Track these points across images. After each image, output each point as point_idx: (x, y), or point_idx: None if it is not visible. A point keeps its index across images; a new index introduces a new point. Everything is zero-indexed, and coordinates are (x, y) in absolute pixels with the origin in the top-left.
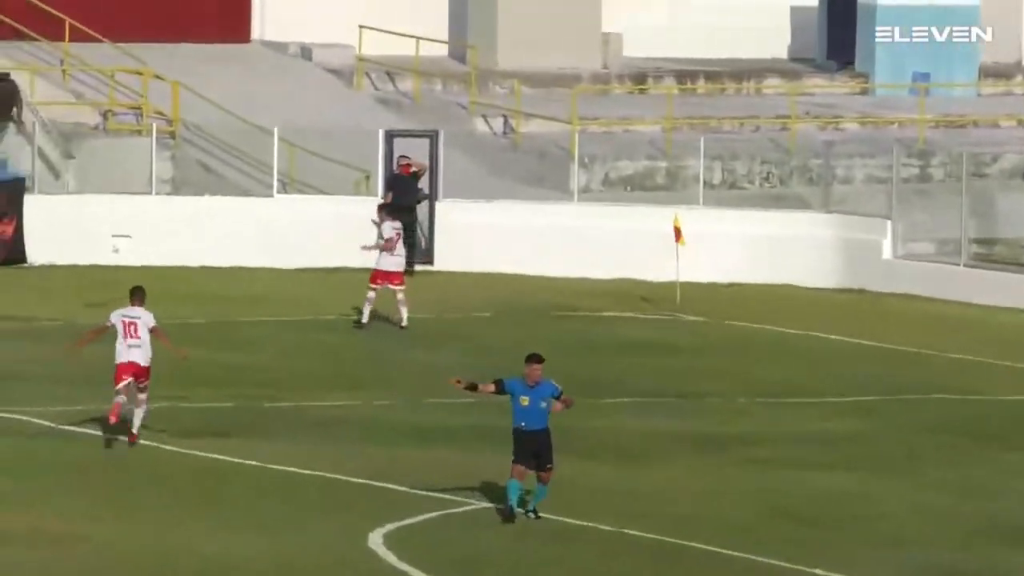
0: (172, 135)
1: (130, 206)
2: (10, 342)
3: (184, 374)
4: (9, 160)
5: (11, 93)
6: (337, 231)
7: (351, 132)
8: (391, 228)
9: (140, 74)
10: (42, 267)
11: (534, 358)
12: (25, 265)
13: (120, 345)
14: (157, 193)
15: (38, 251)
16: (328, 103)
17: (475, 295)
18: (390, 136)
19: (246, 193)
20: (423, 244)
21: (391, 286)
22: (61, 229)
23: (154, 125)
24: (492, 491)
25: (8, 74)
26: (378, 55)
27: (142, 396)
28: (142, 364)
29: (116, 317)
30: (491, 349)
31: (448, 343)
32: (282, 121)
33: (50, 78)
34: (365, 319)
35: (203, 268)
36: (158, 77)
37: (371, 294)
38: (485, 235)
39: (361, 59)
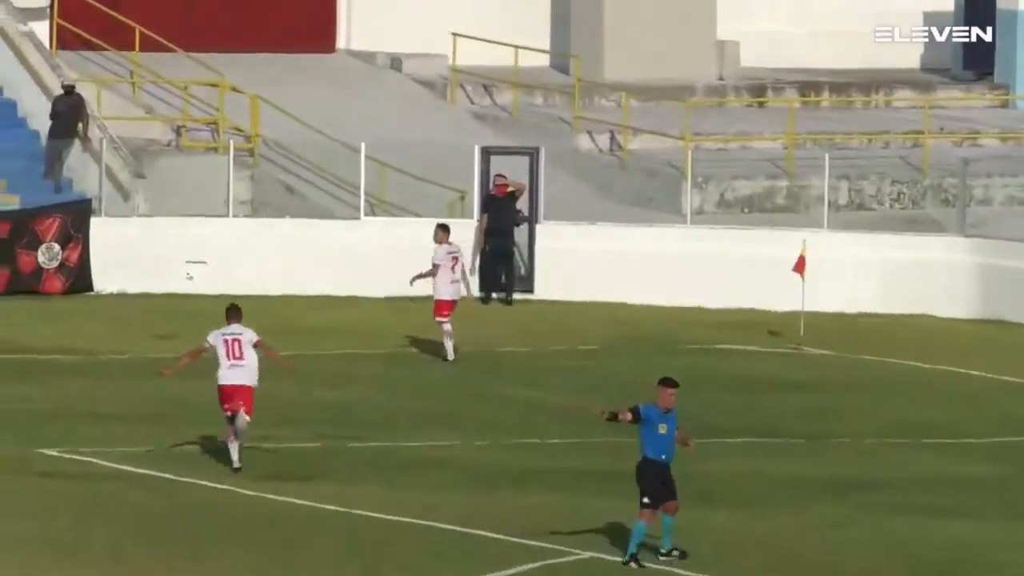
0: (251, 152)
1: (205, 229)
2: (74, 377)
3: (264, 411)
4: (74, 180)
5: (77, 107)
6: (428, 257)
7: (444, 149)
8: (445, 253)
9: (216, 86)
10: (109, 296)
11: (669, 382)
12: (91, 293)
13: (222, 366)
14: (234, 215)
15: (105, 278)
16: (419, 118)
17: (579, 326)
18: (486, 153)
19: (330, 215)
20: (522, 270)
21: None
22: (130, 254)
23: (231, 142)
24: (598, 539)
25: (73, 87)
26: (474, 66)
27: (241, 426)
28: (247, 384)
29: (215, 337)
30: (598, 385)
31: (550, 379)
32: (370, 137)
33: (119, 91)
34: (451, 355)
35: (284, 296)
36: (235, 90)
37: (446, 327)
38: (589, 261)
39: (455, 70)
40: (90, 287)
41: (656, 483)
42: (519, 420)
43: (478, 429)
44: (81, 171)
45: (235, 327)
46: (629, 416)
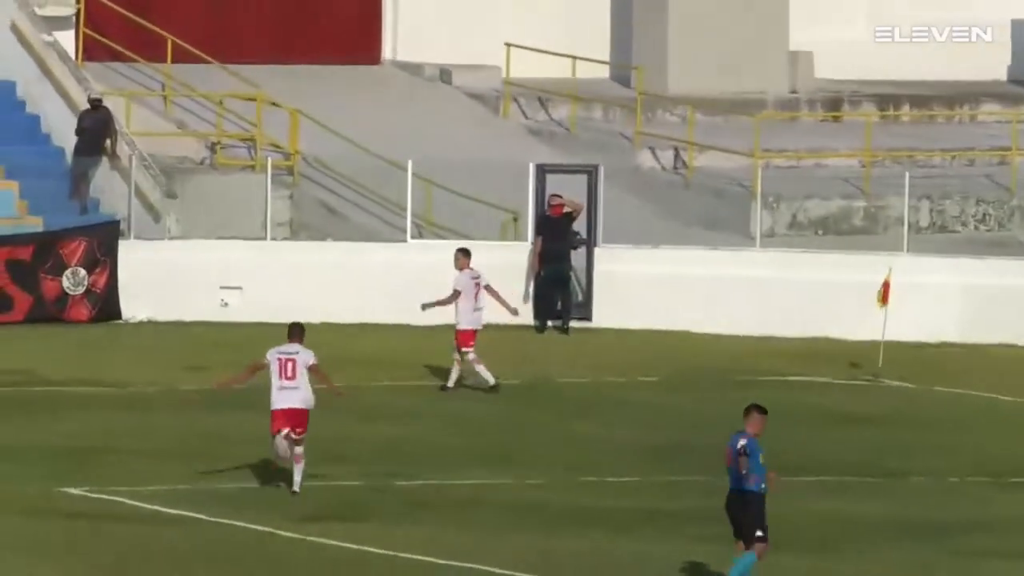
0: (290, 171)
1: (241, 253)
2: (101, 411)
3: (306, 448)
4: (102, 200)
5: (104, 122)
6: (483, 281)
7: (496, 167)
8: (467, 279)
9: (253, 100)
10: (138, 324)
11: (758, 408)
12: (119, 322)
13: (273, 387)
14: (272, 238)
15: (134, 305)
16: (470, 133)
17: (640, 356)
18: (542, 171)
19: (375, 238)
20: (579, 297)
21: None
22: (161, 280)
23: (269, 159)
24: None
25: (101, 100)
26: (528, 78)
27: (298, 450)
28: (298, 407)
29: (272, 354)
30: (660, 420)
31: (609, 412)
32: (417, 154)
33: (149, 105)
34: (491, 381)
35: (325, 325)
36: (274, 104)
37: (471, 355)
38: (651, 287)
39: (508, 82)
40: (118, 315)
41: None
42: (577, 456)
43: (533, 466)
44: (109, 191)
45: (293, 346)
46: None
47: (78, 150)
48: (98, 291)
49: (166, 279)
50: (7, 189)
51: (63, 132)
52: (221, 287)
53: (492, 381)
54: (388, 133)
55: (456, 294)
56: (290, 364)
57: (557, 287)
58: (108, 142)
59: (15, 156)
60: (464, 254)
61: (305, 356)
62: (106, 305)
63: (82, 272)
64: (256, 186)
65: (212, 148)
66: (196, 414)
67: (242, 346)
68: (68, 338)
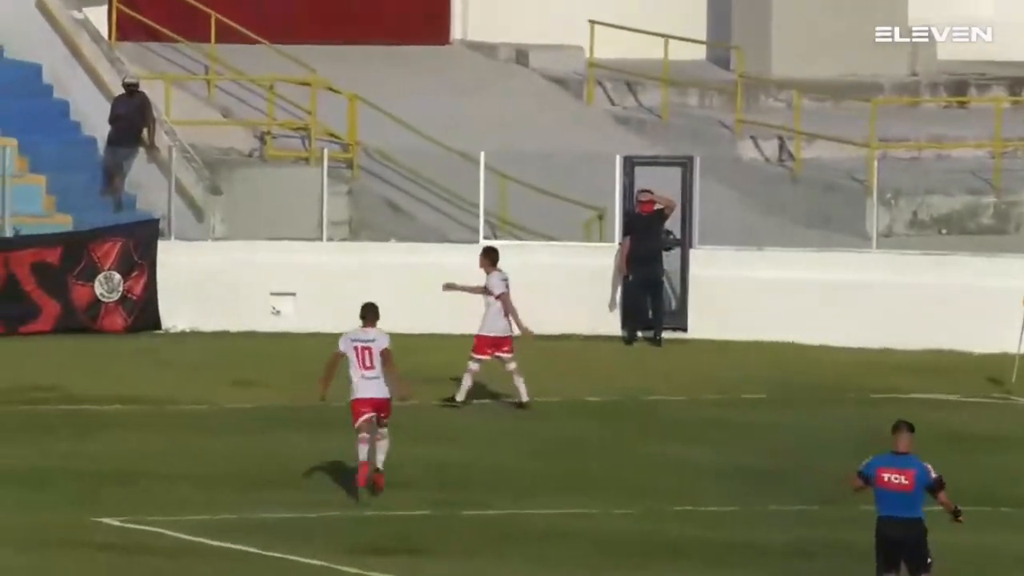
0: (349, 164)
1: (293, 256)
2: (139, 432)
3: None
4: (138, 196)
5: (141, 109)
6: (560, 288)
7: (579, 159)
8: (500, 280)
9: (307, 84)
10: (180, 334)
11: (906, 426)
12: (158, 332)
13: (355, 376)
14: (329, 238)
15: (175, 314)
16: (550, 121)
17: (741, 371)
18: (630, 164)
19: (443, 239)
20: (672, 304)
21: (500, 355)
22: (205, 285)
23: (325, 151)
24: None
25: (137, 84)
26: (615, 59)
27: (382, 431)
28: (383, 397)
29: (347, 343)
30: (764, 442)
31: (706, 433)
32: (490, 145)
33: (192, 90)
34: (461, 396)
35: (395, 335)
36: (331, 89)
37: (474, 366)
38: (754, 293)
39: (593, 64)
40: (157, 324)
41: (889, 555)
42: (670, 483)
43: (620, 493)
44: (146, 186)
45: (368, 332)
46: (859, 482)
47: (112, 140)
48: (134, 298)
49: (210, 284)
50: (33, 184)
51: (95, 120)
52: (272, 293)
53: (460, 399)
54: (458, 121)
55: (502, 296)
56: (367, 353)
57: (647, 293)
58: (145, 131)
59: (42, 147)
60: (491, 255)
61: (381, 342)
62: (143, 313)
63: (116, 277)
64: (311, 181)
65: (261, 138)
66: (244, 434)
67: (295, 359)
68: (101, 350)
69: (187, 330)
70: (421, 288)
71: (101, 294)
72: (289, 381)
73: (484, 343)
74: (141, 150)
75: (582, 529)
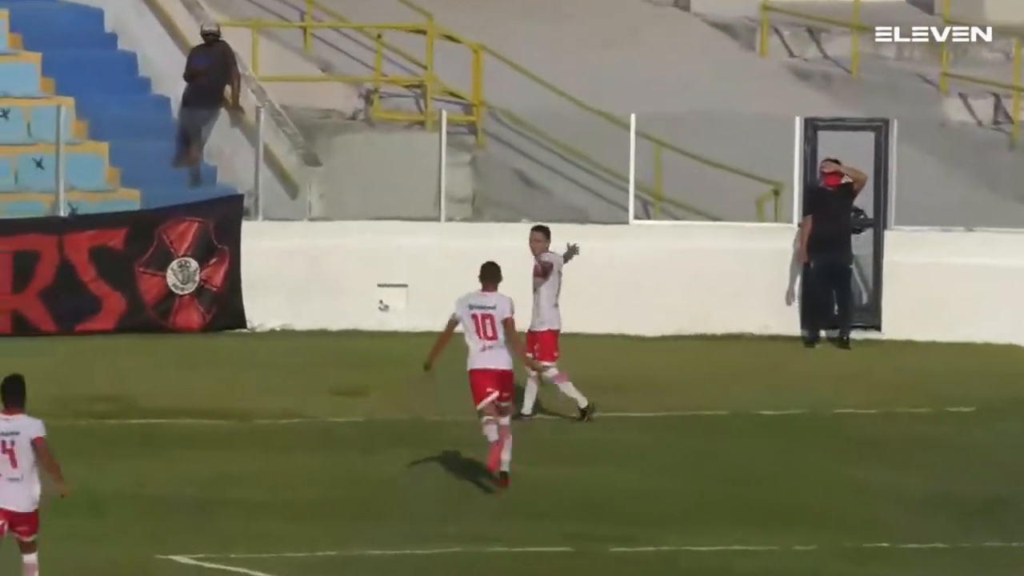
0: (472, 128)
1: (406, 239)
2: (217, 451)
3: (486, 497)
4: (219, 168)
5: (223, 63)
6: (727, 277)
7: (751, 122)
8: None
9: (423, 33)
10: (268, 334)
11: None
12: (243, 331)
13: (473, 346)
14: (449, 218)
15: (263, 309)
16: (714, 77)
17: (947, 379)
18: (812, 127)
19: (585, 219)
20: (864, 298)
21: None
22: (299, 275)
23: (444, 113)
24: None
25: (218, 33)
26: (794, 2)
27: (504, 422)
28: (505, 368)
29: (463, 309)
30: (975, 464)
31: (905, 454)
32: (643, 106)
33: (284, 41)
34: (584, 400)
35: (519, 334)
36: (450, 38)
37: (552, 369)
38: (963, 284)
39: (767, 7)
40: (241, 321)
41: None
42: (861, 513)
43: (800, 526)
44: (229, 155)
45: (488, 297)
46: None
47: (188, 100)
48: (214, 289)
49: (305, 274)
50: (94, 153)
51: (168, 76)
52: (379, 285)
53: (584, 402)
54: (604, 78)
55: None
56: (488, 320)
57: (833, 284)
58: (228, 90)
59: (104, 109)
60: (543, 234)
61: (502, 307)
62: (225, 308)
63: (193, 264)
64: (426, 149)
65: (367, 98)
66: (346, 454)
67: (407, 363)
68: (174, 352)
69: (277, 328)
70: (562, 277)
71: (174, 285)
72: (399, 389)
73: (551, 340)
74: (223, 112)
75: (754, 570)
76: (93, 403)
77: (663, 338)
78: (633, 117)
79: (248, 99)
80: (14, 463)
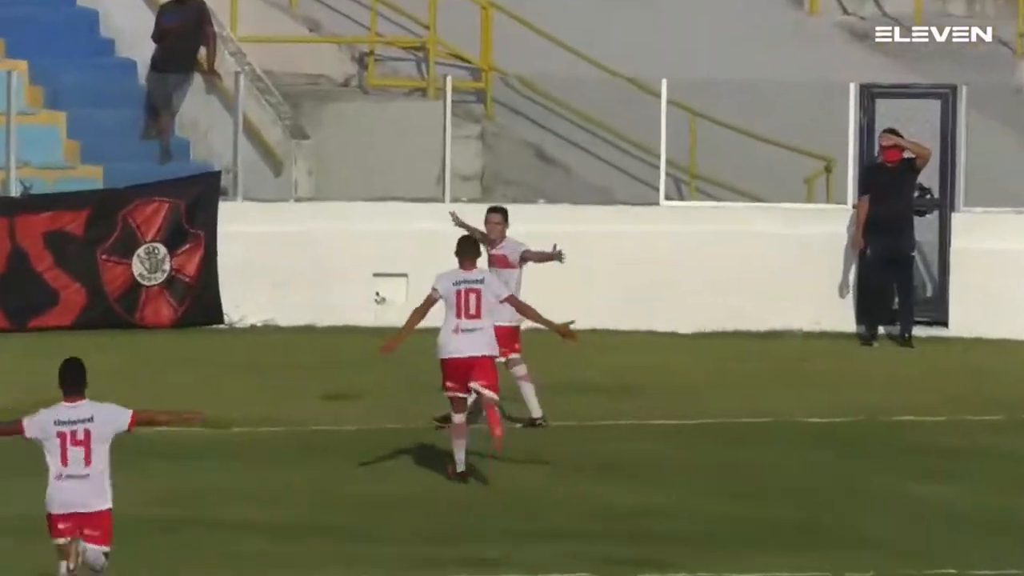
0: (481, 96)
1: (406, 223)
2: (191, 463)
3: (496, 515)
4: (192, 142)
5: (196, 22)
6: (772, 266)
7: (798, 89)
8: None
9: None
10: (249, 330)
11: None
12: (220, 327)
13: (446, 328)
14: (455, 199)
15: (243, 302)
16: (757, 37)
17: None
18: (869, 95)
19: (610, 199)
20: (927, 290)
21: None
22: (284, 263)
23: (449, 79)
24: None
25: None
26: None
27: (490, 397)
28: (486, 355)
29: (445, 283)
30: None
31: (975, 469)
32: (675, 70)
33: None
34: (538, 411)
35: (535, 332)
36: None
37: (520, 368)
38: None
39: None
40: (218, 316)
41: None
42: (924, 534)
43: (854, 550)
44: (204, 127)
45: (474, 272)
46: None
47: (157, 64)
48: (187, 280)
49: (291, 262)
50: (50, 124)
51: (134, 37)
52: (375, 274)
53: (537, 413)
54: (631, 38)
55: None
56: (473, 297)
57: (893, 274)
58: (202, 52)
59: (61, 74)
60: (502, 217)
61: (494, 285)
62: (199, 301)
63: (162, 251)
64: (429, 120)
65: (361, 62)
66: (337, 467)
67: (407, 362)
68: (141, 352)
69: (259, 324)
70: (579, 266)
71: (141, 275)
72: (397, 394)
73: (512, 336)
74: (197, 77)
75: None
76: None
77: (698, 335)
78: (664, 83)
79: (226, 63)
80: (88, 458)
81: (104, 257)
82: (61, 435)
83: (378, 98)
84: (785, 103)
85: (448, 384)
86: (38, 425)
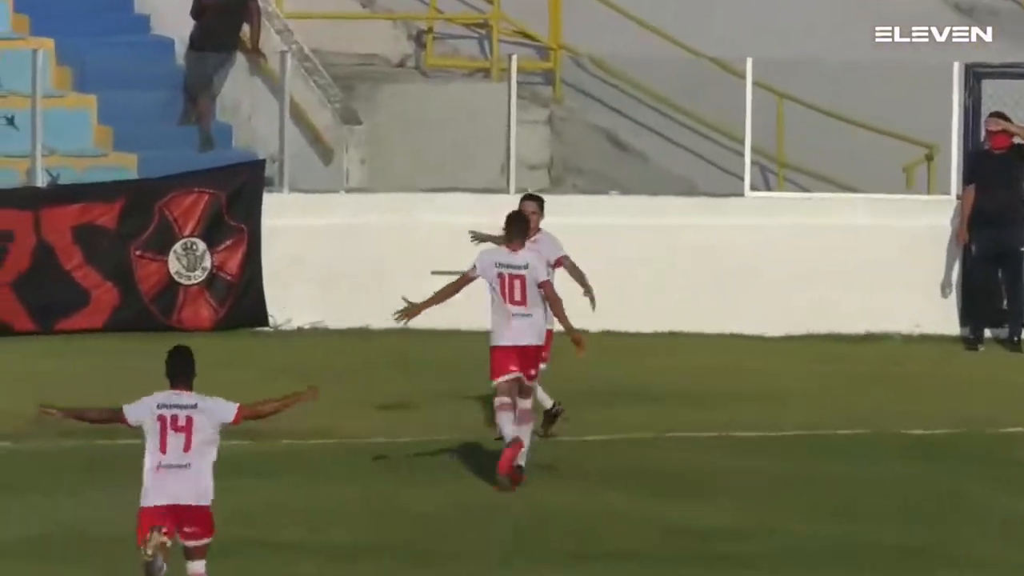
0: (550, 77)
1: (467, 216)
2: (240, 480)
3: (556, 535)
4: (235, 127)
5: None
6: (867, 262)
7: (896, 70)
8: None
9: None
10: (296, 333)
11: None
12: (265, 329)
13: (499, 316)
14: (521, 190)
15: (289, 303)
16: (853, 12)
17: None
18: (975, 75)
19: (690, 190)
20: None
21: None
22: (335, 260)
23: (513, 58)
24: None
25: None
26: None
27: (525, 404)
28: (532, 344)
29: (486, 263)
30: None
31: None
32: (762, 50)
33: None
34: (549, 403)
35: (605, 334)
36: None
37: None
38: None
39: None
40: (263, 318)
41: None
42: None
43: (957, 571)
44: (247, 111)
45: (518, 255)
46: None
47: (196, 43)
48: (228, 278)
49: (342, 259)
50: (79, 108)
51: (171, 13)
52: (433, 272)
53: (549, 402)
54: (712, 15)
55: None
56: (518, 283)
57: (999, 271)
58: (246, 29)
59: (92, 53)
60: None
61: (536, 266)
62: (242, 302)
63: (202, 247)
64: (492, 104)
65: (419, 40)
66: (391, 482)
67: (470, 369)
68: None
69: (307, 327)
70: (660, 263)
71: (178, 273)
72: (456, 403)
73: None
74: (240, 57)
75: None
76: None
77: (786, 339)
78: (750, 63)
79: (271, 41)
80: (187, 445)
81: (138, 253)
82: (161, 418)
83: (437, 80)
84: (882, 84)
85: (510, 368)
86: (139, 408)
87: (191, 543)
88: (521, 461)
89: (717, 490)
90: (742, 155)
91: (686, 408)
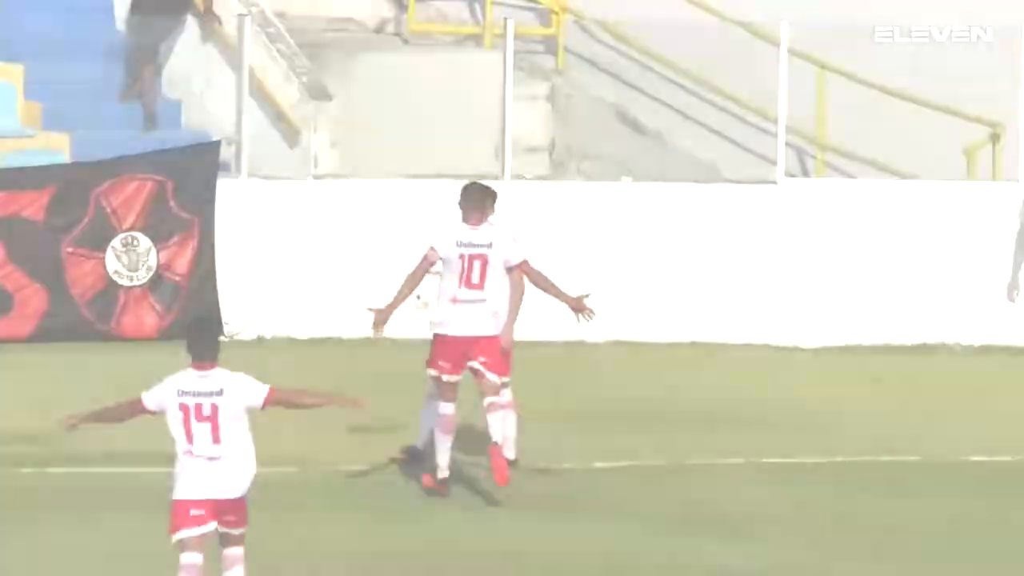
0: (551, 44)
1: (454, 206)
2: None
3: (572, 570)
4: (185, 103)
5: None
6: (922, 259)
7: (954, 37)
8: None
9: None
10: (255, 343)
11: None
12: (221, 339)
13: (443, 297)
14: (516, 176)
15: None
16: None
17: None
18: None
19: (714, 176)
20: None
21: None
22: (301, 259)
23: (510, 23)
24: None
25: None
26: None
27: (492, 400)
28: (487, 335)
29: (445, 240)
30: None
31: None
32: (798, 14)
33: None
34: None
35: (613, 344)
36: None
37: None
38: None
39: None
40: (217, 326)
41: None
42: None
43: None
44: (199, 84)
45: (481, 232)
46: None
47: (139, 5)
48: (176, 279)
49: (310, 257)
50: (3, 80)
51: None
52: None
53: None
54: None
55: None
56: (478, 264)
57: None
58: None
59: (17, 18)
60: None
61: (505, 248)
62: (192, 307)
63: (145, 243)
64: (485, 76)
65: (400, 2)
66: (366, 517)
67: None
68: (119, 371)
69: (267, 336)
70: (679, 262)
71: (117, 273)
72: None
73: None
74: (191, 21)
75: None
76: (1, 444)
77: (826, 350)
78: (785, 28)
79: (227, 4)
80: (216, 436)
81: (70, 250)
82: (184, 407)
83: (421, 48)
84: (939, 55)
85: (439, 363)
86: (159, 393)
87: (230, 531)
88: (510, 455)
89: (748, 527)
90: (775, 136)
91: (710, 432)
